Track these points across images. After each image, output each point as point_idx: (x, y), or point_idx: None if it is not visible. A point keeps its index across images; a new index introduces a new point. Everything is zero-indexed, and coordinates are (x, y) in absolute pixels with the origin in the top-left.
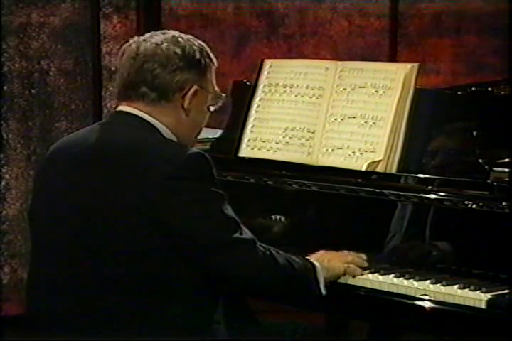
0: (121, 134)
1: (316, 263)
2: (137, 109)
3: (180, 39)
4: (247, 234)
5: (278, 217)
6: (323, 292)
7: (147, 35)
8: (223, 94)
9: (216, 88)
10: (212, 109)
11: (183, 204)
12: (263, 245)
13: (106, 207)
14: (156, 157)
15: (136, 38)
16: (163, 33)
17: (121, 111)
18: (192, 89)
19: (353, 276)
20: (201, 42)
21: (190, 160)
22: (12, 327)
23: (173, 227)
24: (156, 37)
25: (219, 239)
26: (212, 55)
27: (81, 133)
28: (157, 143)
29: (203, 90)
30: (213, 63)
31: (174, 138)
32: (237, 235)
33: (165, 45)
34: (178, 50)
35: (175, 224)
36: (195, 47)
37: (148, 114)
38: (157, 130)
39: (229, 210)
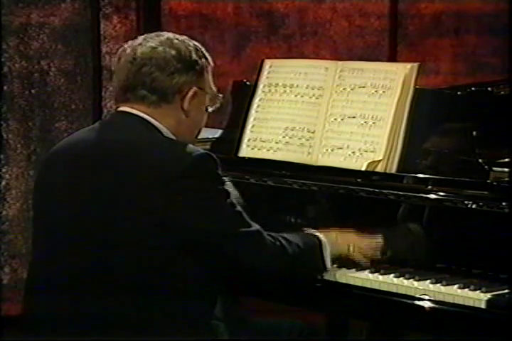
0: (124, 133)
1: (323, 239)
2: (138, 110)
3: (175, 41)
4: (254, 226)
5: (278, 217)
6: (328, 267)
7: (140, 38)
8: (220, 95)
9: (213, 88)
10: (210, 109)
11: (193, 203)
12: (272, 234)
13: (109, 206)
14: (162, 156)
15: (130, 42)
16: (158, 36)
17: (122, 111)
18: (191, 91)
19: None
20: (196, 43)
21: (198, 160)
22: (12, 327)
23: (183, 224)
24: (152, 40)
25: (229, 233)
26: (207, 55)
27: (82, 133)
28: (161, 143)
29: (201, 91)
30: (209, 63)
31: (174, 138)
32: (245, 228)
33: (161, 48)
34: (175, 52)
35: (185, 222)
36: (191, 48)
37: (149, 115)
38: (158, 130)
39: (235, 205)
